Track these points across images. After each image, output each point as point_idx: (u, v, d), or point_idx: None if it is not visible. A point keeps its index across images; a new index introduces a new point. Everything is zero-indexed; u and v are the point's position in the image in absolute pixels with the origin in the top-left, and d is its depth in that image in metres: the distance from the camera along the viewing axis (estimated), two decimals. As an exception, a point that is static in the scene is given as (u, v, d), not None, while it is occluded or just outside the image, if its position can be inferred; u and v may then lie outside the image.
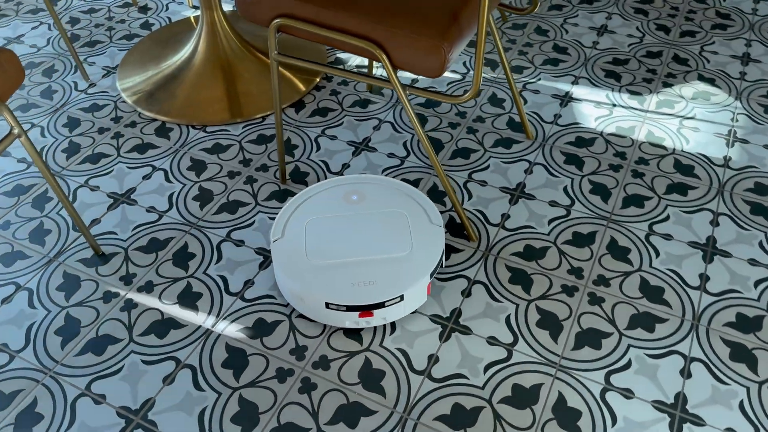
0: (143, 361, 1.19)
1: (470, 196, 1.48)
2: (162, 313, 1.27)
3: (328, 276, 1.19)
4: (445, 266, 1.33)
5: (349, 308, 1.16)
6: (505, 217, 1.44)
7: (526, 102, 1.74)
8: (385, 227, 1.27)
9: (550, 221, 1.42)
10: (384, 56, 1.17)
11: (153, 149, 1.63)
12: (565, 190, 1.49)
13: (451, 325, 1.24)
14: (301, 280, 1.19)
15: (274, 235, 1.27)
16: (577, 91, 1.78)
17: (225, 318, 1.26)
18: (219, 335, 1.23)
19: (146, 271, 1.35)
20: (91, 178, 1.56)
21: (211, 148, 1.63)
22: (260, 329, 1.24)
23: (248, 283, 1.32)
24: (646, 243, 1.37)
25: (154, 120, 1.72)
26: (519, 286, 1.30)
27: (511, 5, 1.43)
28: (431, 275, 1.22)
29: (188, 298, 1.29)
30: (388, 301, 1.16)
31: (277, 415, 1.11)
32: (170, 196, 1.51)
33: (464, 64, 1.88)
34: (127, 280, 1.33)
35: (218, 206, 1.48)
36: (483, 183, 1.52)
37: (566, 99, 1.75)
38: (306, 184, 1.52)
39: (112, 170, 1.58)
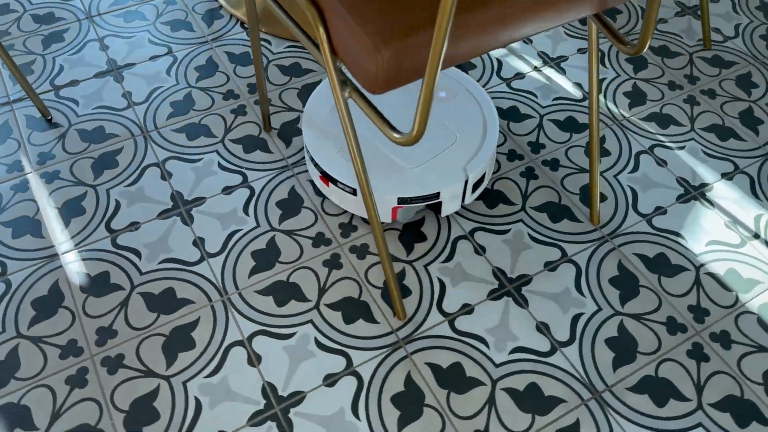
0: (-21, 253, 1.06)
1: (449, 257, 1.07)
2: (37, 210, 1.11)
3: (335, 126, 1.11)
4: (342, 331, 0.98)
5: (314, 163, 1.09)
6: (465, 310, 1.01)
7: (635, 169, 1.20)
8: (425, 135, 1.12)
9: (514, 351, 0.97)
10: (322, 33, 0.79)
11: (186, 32, 1.42)
12: (574, 320, 1.01)
13: (278, 409, 0.91)
14: (318, 108, 1.13)
15: None
16: (722, 189, 1.18)
17: (81, 251, 1.07)
18: (57, 268, 1.05)
19: (64, 160, 1.19)
20: (110, 36, 1.41)
21: (237, 56, 1.37)
22: (93, 288, 1.03)
23: (132, 226, 1.10)
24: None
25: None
26: (398, 415, 0.91)
27: (616, 33, 0.90)
28: (400, 201, 1.04)
29: (70, 210, 1.11)
30: (341, 182, 1.06)
31: None
32: (153, 91, 1.30)
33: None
34: (43, 159, 1.19)
35: (185, 124, 1.25)
36: (481, 250, 1.08)
37: (694, 193, 1.17)
38: (290, 146, 1.21)
39: (134, 36, 1.41)
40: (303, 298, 1.02)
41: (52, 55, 1.37)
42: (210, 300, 1.01)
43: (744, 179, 1.20)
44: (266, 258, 1.06)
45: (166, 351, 0.96)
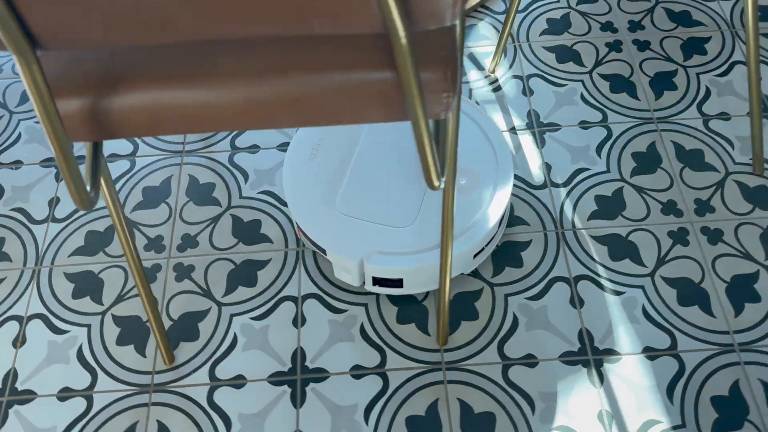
0: None
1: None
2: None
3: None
4: (109, 352, 0.93)
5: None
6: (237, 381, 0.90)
7: (539, 297, 0.95)
8: (393, 194, 0.96)
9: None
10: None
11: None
12: (341, 444, 0.85)
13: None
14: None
15: None
16: (631, 368, 0.89)
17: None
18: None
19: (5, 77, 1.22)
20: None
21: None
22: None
23: (15, 165, 1.12)
24: None
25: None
26: None
27: (427, 168, 0.67)
28: (298, 226, 0.96)
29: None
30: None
31: None
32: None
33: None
34: (-10, 69, 1.24)
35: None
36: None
37: (590, 357, 0.90)
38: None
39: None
40: (99, 300, 0.98)
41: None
42: None
43: (671, 366, 0.90)
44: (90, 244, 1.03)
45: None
